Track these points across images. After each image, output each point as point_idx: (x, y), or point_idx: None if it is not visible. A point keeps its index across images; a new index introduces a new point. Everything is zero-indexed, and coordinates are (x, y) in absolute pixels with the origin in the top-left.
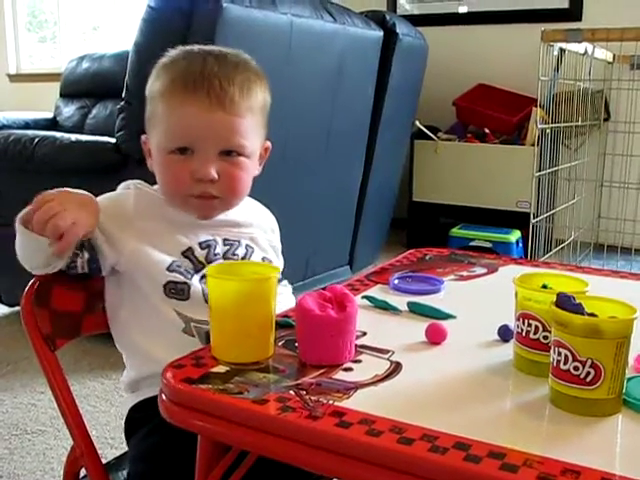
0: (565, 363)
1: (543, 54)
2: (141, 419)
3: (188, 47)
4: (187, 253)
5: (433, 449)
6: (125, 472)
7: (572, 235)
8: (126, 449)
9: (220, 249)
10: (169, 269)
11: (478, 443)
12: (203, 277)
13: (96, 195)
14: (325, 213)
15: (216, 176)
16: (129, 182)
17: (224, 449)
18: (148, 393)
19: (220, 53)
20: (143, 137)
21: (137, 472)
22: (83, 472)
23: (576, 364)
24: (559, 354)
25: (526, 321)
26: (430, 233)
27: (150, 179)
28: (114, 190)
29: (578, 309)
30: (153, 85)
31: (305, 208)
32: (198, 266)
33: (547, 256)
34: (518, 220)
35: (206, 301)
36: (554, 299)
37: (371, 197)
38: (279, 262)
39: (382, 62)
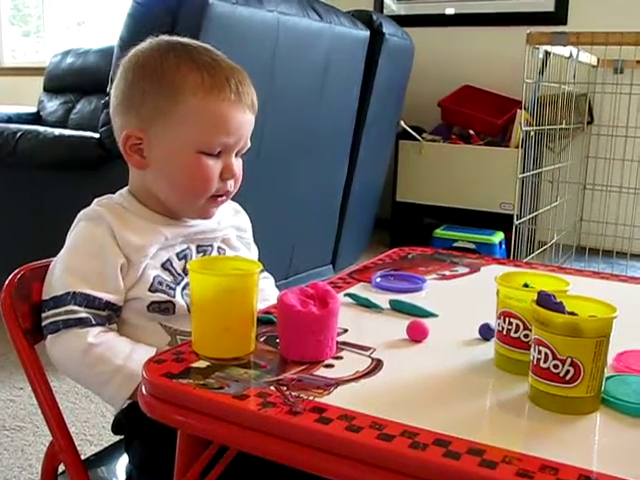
0: (545, 361)
1: (528, 56)
2: (132, 423)
3: (158, 41)
4: (166, 265)
5: (413, 445)
6: (104, 469)
7: (554, 237)
8: (105, 445)
9: (195, 257)
10: (151, 289)
11: (458, 440)
12: (184, 288)
13: (78, 191)
14: (308, 212)
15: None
16: (88, 210)
17: (204, 444)
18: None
19: (206, 48)
20: (127, 131)
21: None
22: (62, 468)
23: (556, 362)
24: (539, 352)
25: (507, 319)
26: (414, 234)
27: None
28: (96, 185)
29: (558, 308)
30: (161, 83)
31: (289, 206)
32: (178, 278)
33: (529, 257)
34: (501, 222)
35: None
36: (535, 297)
37: (355, 197)
38: (253, 255)
39: (368, 62)
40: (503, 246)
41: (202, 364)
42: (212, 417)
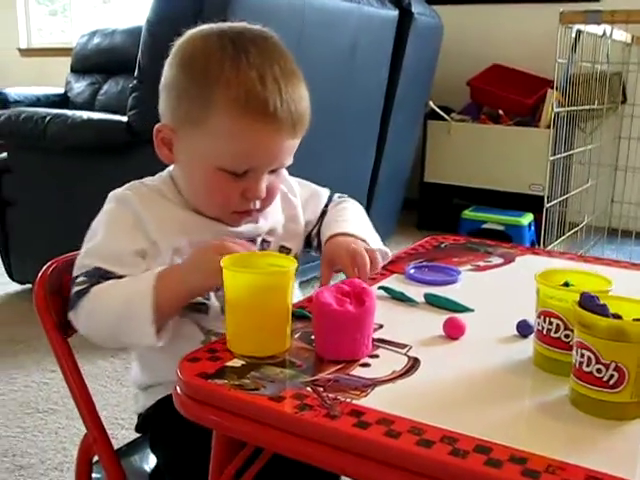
0: (588, 365)
1: (561, 36)
2: (159, 419)
3: (211, 32)
4: None
5: (454, 452)
6: (137, 457)
7: (585, 219)
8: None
9: None
10: None
11: (499, 446)
12: (219, 289)
13: (107, 175)
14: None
15: (265, 194)
16: (117, 192)
17: (240, 445)
18: (163, 392)
19: (261, 48)
20: (159, 125)
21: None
22: (96, 457)
23: (599, 366)
24: (582, 355)
25: (547, 319)
26: (442, 215)
27: (159, 164)
28: (125, 169)
29: (602, 310)
30: (198, 89)
31: None
32: None
33: (560, 241)
34: (531, 203)
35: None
36: (577, 299)
37: (383, 178)
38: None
39: (397, 42)
40: (532, 228)
41: (237, 363)
42: (248, 419)
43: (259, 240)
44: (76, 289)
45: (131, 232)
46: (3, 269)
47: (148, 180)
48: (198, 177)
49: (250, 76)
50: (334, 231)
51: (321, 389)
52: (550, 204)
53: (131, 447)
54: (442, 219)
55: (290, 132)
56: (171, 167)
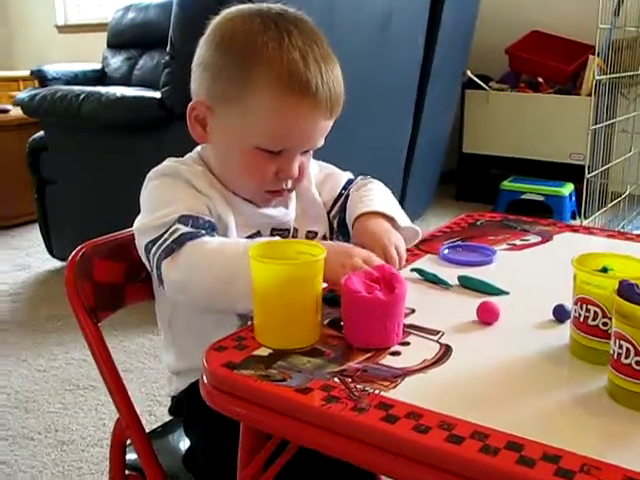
0: (627, 357)
1: (604, 1)
2: (192, 406)
3: (252, 12)
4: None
5: (484, 450)
6: (171, 438)
7: (627, 190)
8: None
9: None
10: None
11: (531, 443)
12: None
13: (143, 152)
14: (373, 167)
15: (297, 174)
16: (162, 168)
17: (267, 435)
18: (196, 376)
19: (301, 30)
20: (193, 102)
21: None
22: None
23: (639, 358)
24: (620, 347)
25: (584, 306)
26: (480, 185)
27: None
28: (160, 146)
29: None
30: (238, 67)
31: (352, 161)
32: None
33: (601, 212)
34: (571, 173)
35: None
36: (616, 286)
37: (421, 150)
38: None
39: (432, 9)
40: (573, 198)
41: (264, 352)
42: (274, 411)
43: (291, 230)
44: (175, 236)
45: (197, 195)
46: (44, 246)
47: (180, 160)
48: (233, 156)
49: (293, 56)
50: (361, 210)
51: (349, 380)
52: (591, 174)
53: (166, 428)
54: (481, 190)
55: (327, 113)
56: (199, 148)
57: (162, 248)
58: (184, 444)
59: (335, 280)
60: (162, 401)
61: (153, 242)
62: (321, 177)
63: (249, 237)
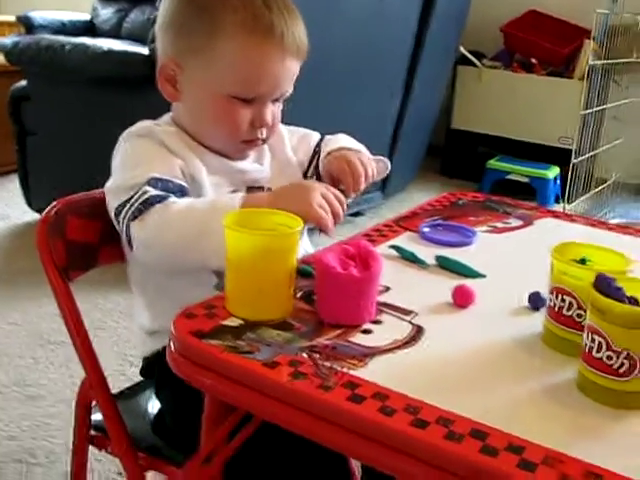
0: (598, 351)
1: None
2: (163, 369)
3: None
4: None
5: (449, 436)
6: (139, 400)
7: (613, 177)
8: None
9: None
10: None
11: (496, 432)
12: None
13: (128, 107)
14: (360, 136)
15: (271, 122)
16: (135, 128)
17: (232, 407)
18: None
19: None
20: (162, 62)
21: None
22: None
23: (610, 353)
24: (592, 340)
25: (560, 296)
26: (466, 162)
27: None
28: (146, 101)
29: (618, 295)
30: (202, 17)
31: (340, 127)
32: None
33: (585, 197)
34: (558, 156)
35: None
36: (593, 279)
37: (409, 122)
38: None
39: None
40: (558, 182)
41: (234, 322)
42: (240, 384)
43: (265, 189)
44: (143, 198)
45: (169, 157)
46: (22, 197)
47: (154, 121)
48: (206, 107)
49: (256, 1)
50: (329, 149)
51: (317, 356)
52: (578, 159)
53: (136, 389)
54: (466, 167)
55: (294, 55)
56: (170, 113)
57: (131, 210)
58: (153, 406)
59: (302, 211)
60: (134, 362)
61: (123, 205)
62: (295, 140)
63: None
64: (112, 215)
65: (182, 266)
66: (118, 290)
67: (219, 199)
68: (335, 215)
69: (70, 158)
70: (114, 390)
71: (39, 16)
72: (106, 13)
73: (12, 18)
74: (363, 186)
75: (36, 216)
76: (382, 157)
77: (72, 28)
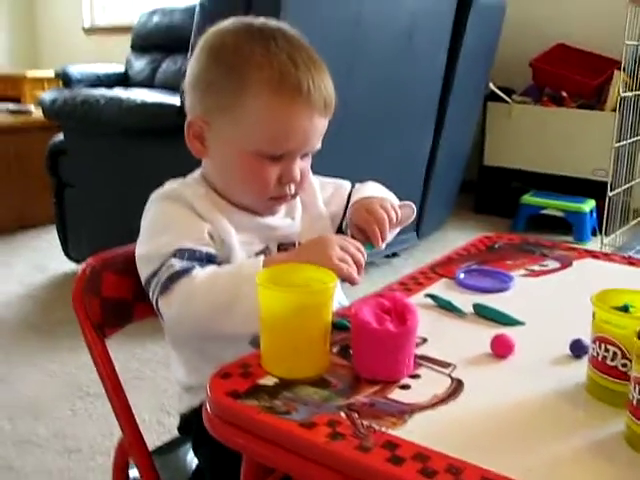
0: None
1: (630, 17)
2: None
3: (237, 25)
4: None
5: None
6: (178, 456)
7: None
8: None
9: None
10: None
11: None
12: None
13: (162, 158)
14: (392, 178)
15: (299, 178)
16: (164, 190)
17: (271, 468)
18: None
19: (286, 36)
20: (190, 119)
21: None
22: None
23: None
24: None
25: (603, 345)
26: (500, 198)
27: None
28: (179, 152)
29: None
30: (229, 75)
31: (372, 170)
32: None
33: (622, 230)
34: (593, 189)
35: None
36: (638, 328)
37: (441, 162)
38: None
39: (456, 22)
40: (594, 215)
41: (270, 380)
42: (277, 445)
43: (297, 245)
44: (169, 272)
45: (198, 222)
46: (60, 248)
47: (179, 182)
48: (234, 165)
49: (281, 58)
50: (353, 200)
51: (355, 415)
52: (614, 192)
53: (174, 444)
54: (500, 203)
55: (322, 112)
56: (200, 168)
57: (159, 286)
58: (191, 462)
59: (322, 262)
60: (172, 412)
61: (152, 276)
62: (327, 192)
63: (258, 254)
64: (144, 284)
65: (214, 336)
66: (155, 339)
67: (242, 263)
68: (357, 264)
69: (106, 209)
70: (152, 441)
71: (76, 70)
72: (139, 64)
73: (51, 73)
74: (388, 232)
75: (74, 266)
76: (407, 202)
77: (107, 80)
